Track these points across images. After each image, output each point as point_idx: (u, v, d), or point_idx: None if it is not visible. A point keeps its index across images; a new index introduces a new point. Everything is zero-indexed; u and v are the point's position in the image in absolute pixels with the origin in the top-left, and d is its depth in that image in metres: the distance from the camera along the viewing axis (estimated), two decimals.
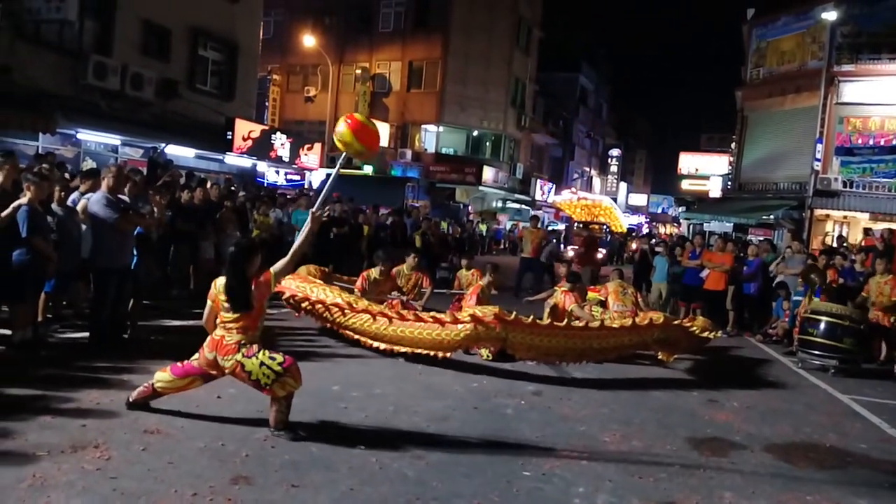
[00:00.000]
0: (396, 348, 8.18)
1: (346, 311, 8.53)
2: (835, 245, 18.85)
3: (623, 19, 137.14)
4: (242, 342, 5.28)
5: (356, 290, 9.89)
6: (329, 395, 6.66)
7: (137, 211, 8.13)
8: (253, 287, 5.32)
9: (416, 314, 8.27)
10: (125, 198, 7.94)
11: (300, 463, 4.87)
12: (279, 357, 5.27)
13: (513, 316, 7.94)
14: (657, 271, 14.96)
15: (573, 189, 47.81)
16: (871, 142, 25.30)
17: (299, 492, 4.45)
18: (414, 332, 7.99)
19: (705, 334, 9.78)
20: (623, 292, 11.25)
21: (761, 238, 22.10)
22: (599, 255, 18.99)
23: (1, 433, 4.85)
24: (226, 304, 5.32)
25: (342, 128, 5.91)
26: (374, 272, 10.36)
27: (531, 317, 8.17)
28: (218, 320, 5.41)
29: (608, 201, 44.79)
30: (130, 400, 5.57)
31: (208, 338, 5.42)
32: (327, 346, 8.86)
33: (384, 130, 35.88)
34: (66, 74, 16.45)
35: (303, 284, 9.23)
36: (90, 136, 17.29)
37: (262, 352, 5.27)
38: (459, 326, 7.79)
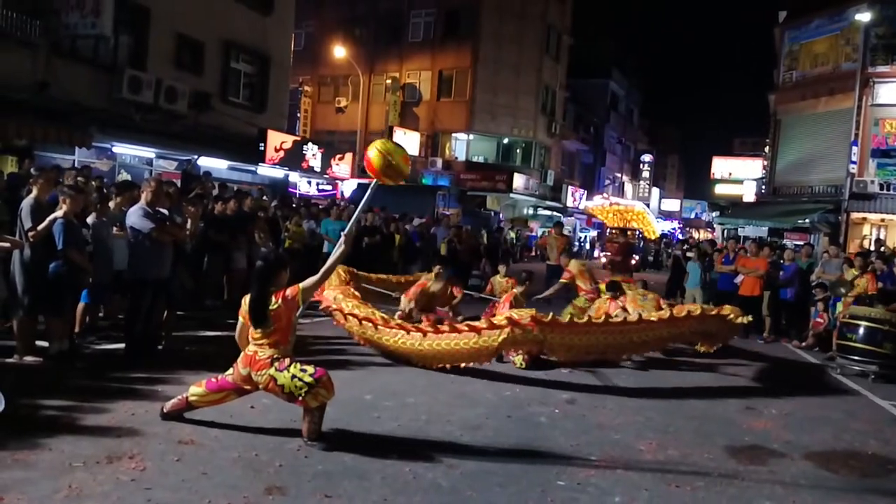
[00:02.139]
0: (436, 365, 8.13)
1: (379, 326, 8.48)
2: (872, 248, 18.51)
3: (653, 25, 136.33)
4: (275, 356, 5.30)
5: (406, 297, 9.79)
6: (362, 404, 6.65)
7: (175, 222, 8.21)
8: (280, 302, 5.33)
9: (452, 325, 8.21)
10: (164, 210, 8.01)
11: (333, 473, 4.86)
12: (310, 369, 5.27)
13: (549, 317, 7.91)
14: (691, 277, 14.79)
15: (605, 195, 47.50)
16: None
17: (332, 502, 4.43)
18: (451, 344, 7.92)
19: (739, 320, 10.02)
20: (643, 298, 11.13)
21: (798, 242, 21.80)
22: (633, 262, 18.82)
23: (38, 444, 4.89)
24: (249, 319, 5.36)
25: (370, 169, 6.00)
26: (434, 285, 10.24)
27: (568, 316, 8.15)
28: (250, 336, 5.43)
29: (641, 206, 44.43)
30: (164, 411, 5.60)
31: (242, 354, 5.45)
32: (360, 356, 8.85)
33: (414, 140, 35.97)
34: (101, 89, 16.72)
35: (339, 296, 9.19)
36: (125, 150, 17.54)
37: (293, 365, 5.28)
38: (496, 332, 7.74)
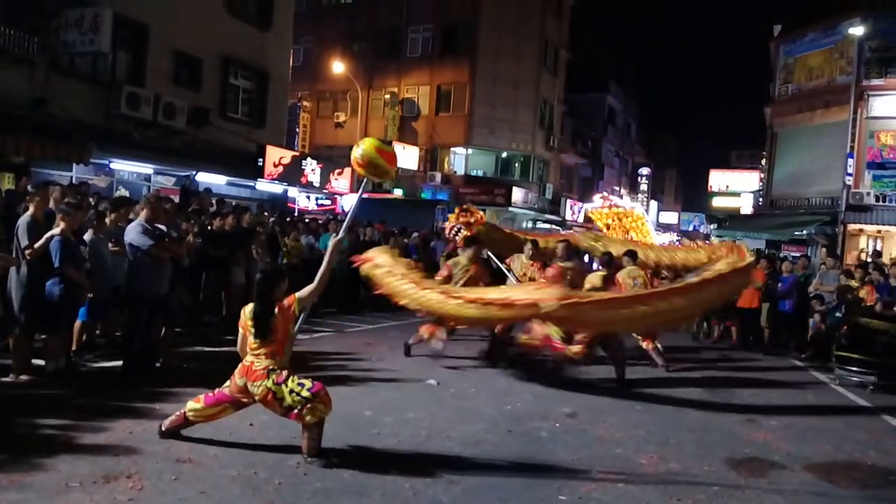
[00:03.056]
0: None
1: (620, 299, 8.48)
2: (869, 260, 18.53)
3: (650, 39, 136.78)
4: (271, 368, 5.28)
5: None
6: (361, 420, 6.62)
7: (173, 239, 8.20)
8: (278, 312, 5.33)
9: (670, 287, 8.68)
10: (162, 227, 8.01)
11: (333, 490, 4.83)
12: (308, 383, 5.26)
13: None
14: None
15: (604, 194, 47.20)
16: None
17: None
18: (702, 297, 8.31)
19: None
20: (633, 283, 10.74)
21: (795, 254, 21.82)
22: None
23: (34, 464, 4.86)
24: (252, 331, 5.34)
25: (353, 161, 6.12)
26: (570, 263, 9.93)
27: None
28: (248, 347, 5.42)
29: (640, 209, 44.25)
30: (162, 428, 5.57)
31: (239, 364, 5.43)
32: (359, 371, 8.84)
33: (413, 154, 36.02)
34: (99, 105, 16.71)
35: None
36: (123, 166, 17.50)
37: (291, 378, 5.27)
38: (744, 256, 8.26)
